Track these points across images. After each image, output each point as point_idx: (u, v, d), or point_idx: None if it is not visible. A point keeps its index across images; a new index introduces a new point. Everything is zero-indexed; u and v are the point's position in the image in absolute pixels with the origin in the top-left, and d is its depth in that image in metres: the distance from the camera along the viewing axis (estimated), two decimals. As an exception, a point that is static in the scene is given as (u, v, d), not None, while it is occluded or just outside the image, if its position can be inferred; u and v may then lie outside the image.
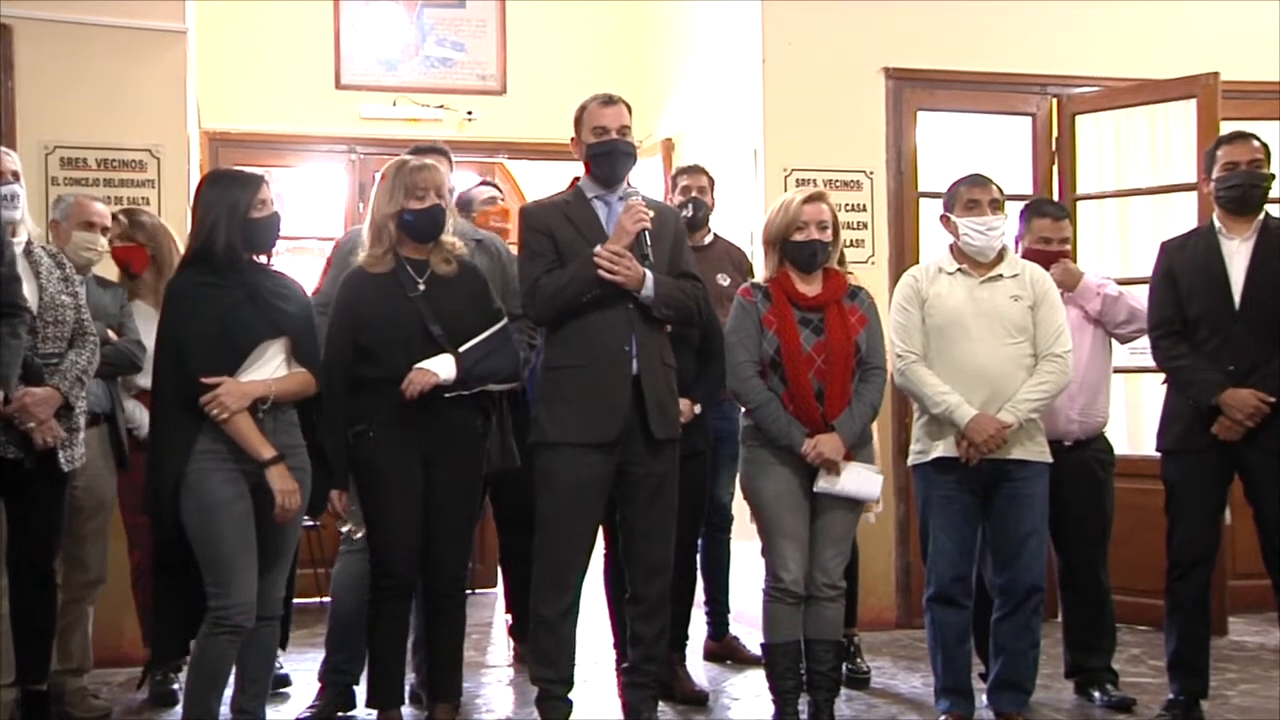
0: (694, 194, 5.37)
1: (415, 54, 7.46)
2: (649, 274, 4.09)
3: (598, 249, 4.06)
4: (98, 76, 5.55)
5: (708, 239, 5.39)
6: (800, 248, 4.16)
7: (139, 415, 4.71)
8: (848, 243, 5.47)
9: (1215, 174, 4.47)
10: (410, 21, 7.45)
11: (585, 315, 4.09)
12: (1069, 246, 4.86)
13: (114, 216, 4.92)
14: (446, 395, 3.99)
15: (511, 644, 5.55)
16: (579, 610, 4.20)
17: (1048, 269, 4.56)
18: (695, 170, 5.50)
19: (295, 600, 4.15)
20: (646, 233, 4.09)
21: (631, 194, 4.17)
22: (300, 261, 7.05)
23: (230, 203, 3.76)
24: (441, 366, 3.98)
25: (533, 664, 4.26)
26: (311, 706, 4.58)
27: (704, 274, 5.09)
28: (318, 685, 4.65)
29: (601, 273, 4.03)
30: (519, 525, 5.24)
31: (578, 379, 4.10)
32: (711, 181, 5.48)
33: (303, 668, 5.14)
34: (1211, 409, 4.30)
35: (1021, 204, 5.07)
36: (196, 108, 6.30)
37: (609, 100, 4.24)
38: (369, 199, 4.30)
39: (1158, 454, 4.59)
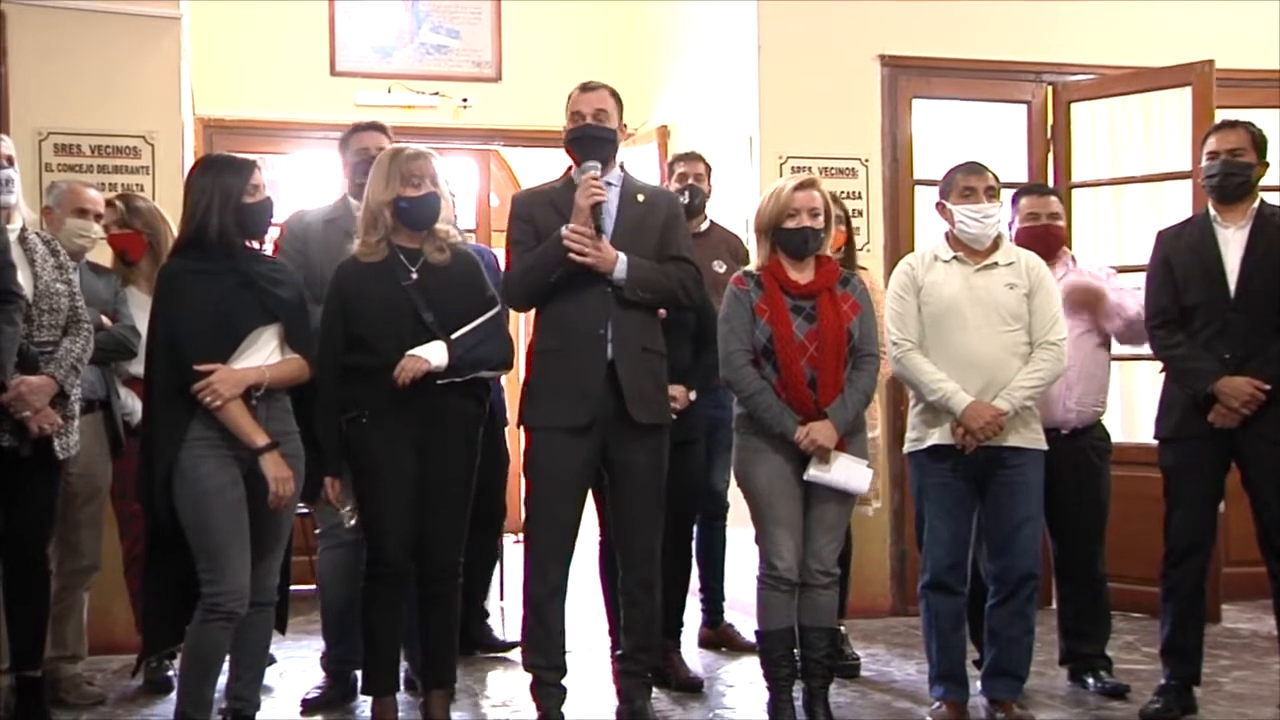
0: (690, 181, 5.36)
1: (410, 41, 7.45)
2: (622, 256, 4.08)
3: (564, 229, 4.06)
4: (92, 63, 5.54)
5: (704, 226, 5.38)
6: (791, 235, 4.16)
7: (132, 402, 4.70)
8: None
9: (1202, 162, 4.50)
10: (405, 9, 7.43)
11: (563, 300, 4.10)
12: (1060, 221, 4.86)
13: (110, 203, 4.91)
14: (439, 382, 3.99)
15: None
16: (565, 595, 4.19)
17: (1044, 245, 4.61)
18: (692, 157, 5.49)
19: (290, 587, 4.15)
20: (601, 207, 4.08)
21: (589, 168, 4.14)
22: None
23: (223, 188, 3.75)
24: (433, 353, 3.97)
25: (524, 651, 4.27)
26: (319, 688, 4.63)
27: (700, 261, 5.07)
28: (321, 674, 4.69)
29: (571, 254, 4.03)
30: (476, 515, 5.25)
31: (555, 364, 4.13)
32: (708, 168, 5.48)
33: (297, 654, 5.15)
34: (1208, 397, 4.31)
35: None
36: (191, 94, 6.28)
37: (587, 86, 4.25)
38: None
39: (1154, 442, 4.60)
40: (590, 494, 4.30)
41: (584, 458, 4.12)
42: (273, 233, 4.38)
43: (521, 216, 4.21)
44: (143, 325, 4.06)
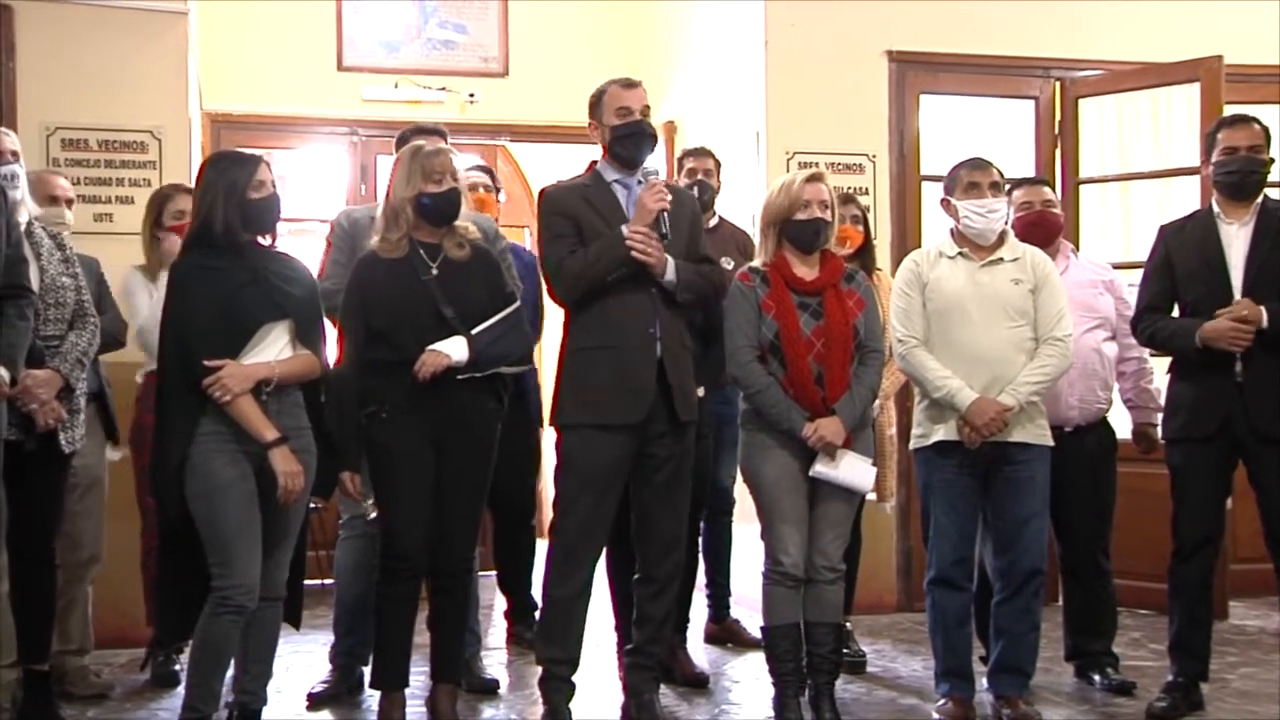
0: (700, 176, 5.35)
1: (417, 36, 7.45)
2: (670, 259, 4.10)
3: (626, 228, 4.06)
4: (99, 58, 5.54)
5: (713, 222, 5.38)
6: (803, 227, 4.15)
7: None
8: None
9: (1214, 158, 4.46)
10: (413, 4, 7.43)
11: (609, 298, 4.10)
12: (1055, 209, 4.85)
13: (189, 190, 4.94)
14: (459, 377, 4.00)
15: (506, 625, 5.58)
16: (591, 591, 4.20)
17: (1041, 233, 4.63)
18: (701, 153, 5.49)
19: (304, 582, 4.15)
20: (665, 213, 4.09)
21: (651, 172, 4.19)
22: (301, 243, 7.05)
23: (227, 184, 3.75)
24: (454, 348, 3.99)
25: (540, 644, 4.26)
26: (324, 682, 4.64)
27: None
28: (329, 666, 4.70)
29: (634, 253, 4.03)
30: (509, 511, 5.26)
31: (603, 361, 4.10)
32: (718, 164, 5.47)
33: (304, 649, 5.16)
34: (1202, 351, 4.29)
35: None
36: (198, 89, 6.29)
37: (630, 83, 4.25)
38: (372, 181, 4.31)
39: (1162, 441, 4.60)
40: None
41: (625, 455, 4.11)
42: (324, 229, 4.40)
43: (560, 212, 4.18)
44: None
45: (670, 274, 4.11)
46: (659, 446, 4.14)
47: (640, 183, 4.21)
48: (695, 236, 4.29)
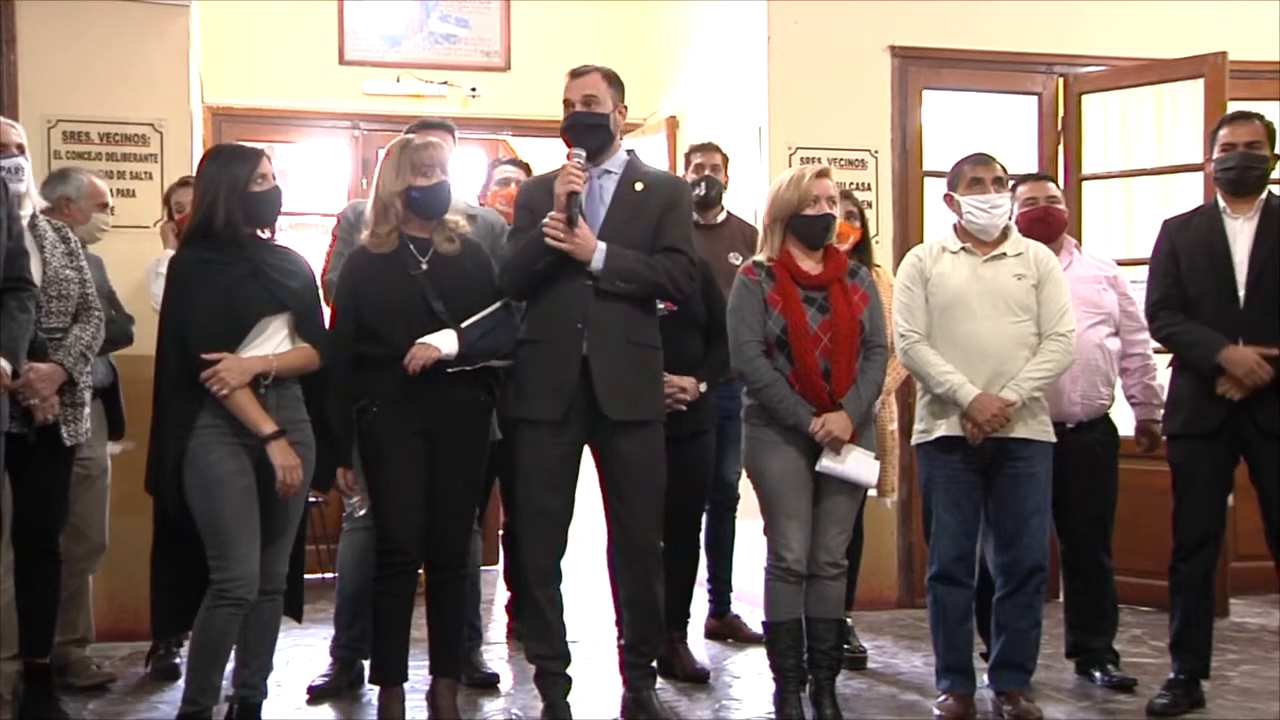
0: (707, 172, 5.34)
1: (419, 30, 7.45)
2: (602, 245, 4.02)
3: (546, 217, 4.02)
4: (101, 50, 5.54)
5: (720, 217, 5.36)
6: (813, 222, 4.14)
7: None
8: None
9: (1215, 154, 4.46)
10: (414, -3, 7.43)
11: (547, 291, 4.07)
12: (1060, 205, 4.84)
13: (189, 182, 4.99)
14: (449, 370, 3.99)
15: (507, 619, 5.58)
16: (558, 585, 4.18)
17: (1045, 229, 4.63)
18: (709, 148, 5.47)
19: (305, 576, 4.15)
20: (576, 196, 4.00)
21: (575, 155, 4.08)
22: (303, 237, 7.04)
23: (229, 177, 3.76)
24: (443, 341, 3.98)
25: (529, 642, 4.29)
26: (325, 676, 4.64)
27: (716, 253, 5.05)
28: (330, 660, 4.71)
29: (548, 240, 3.99)
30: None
31: (536, 355, 4.09)
32: (725, 159, 5.46)
33: (305, 643, 5.16)
34: (1214, 370, 4.28)
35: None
36: (199, 82, 6.28)
37: (576, 72, 4.19)
38: (373, 175, 4.30)
39: (1164, 438, 4.59)
40: (599, 485, 4.27)
41: (564, 452, 4.08)
42: (325, 222, 4.40)
43: (523, 204, 4.19)
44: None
45: (597, 261, 4.02)
46: (607, 445, 4.09)
47: (606, 173, 4.17)
48: (665, 226, 4.13)
